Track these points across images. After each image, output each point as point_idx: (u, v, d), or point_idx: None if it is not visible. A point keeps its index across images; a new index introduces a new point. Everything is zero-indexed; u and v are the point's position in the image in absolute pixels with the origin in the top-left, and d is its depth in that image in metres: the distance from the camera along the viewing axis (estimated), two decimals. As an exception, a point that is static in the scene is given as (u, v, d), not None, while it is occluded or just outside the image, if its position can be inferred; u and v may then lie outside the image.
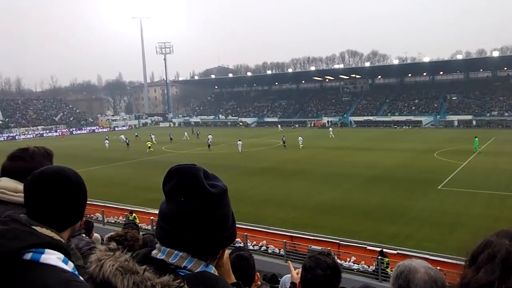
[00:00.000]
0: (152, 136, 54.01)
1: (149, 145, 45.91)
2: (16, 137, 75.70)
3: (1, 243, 1.33)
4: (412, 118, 72.70)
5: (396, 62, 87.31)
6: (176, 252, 1.12)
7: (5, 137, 74.55)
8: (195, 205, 1.12)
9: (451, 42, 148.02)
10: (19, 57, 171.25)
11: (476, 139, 36.94)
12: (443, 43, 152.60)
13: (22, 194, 1.72)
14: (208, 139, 46.95)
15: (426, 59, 77.62)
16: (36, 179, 1.57)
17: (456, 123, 67.37)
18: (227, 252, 1.34)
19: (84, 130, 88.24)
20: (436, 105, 75.49)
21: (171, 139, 55.58)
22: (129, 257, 1.04)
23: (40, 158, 2.06)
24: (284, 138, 45.65)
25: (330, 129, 60.02)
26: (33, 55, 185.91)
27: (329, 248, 13.45)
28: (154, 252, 1.15)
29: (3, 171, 2.02)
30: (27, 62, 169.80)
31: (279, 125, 77.20)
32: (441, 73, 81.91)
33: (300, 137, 45.27)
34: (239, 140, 43.03)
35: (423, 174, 27.11)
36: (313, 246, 14.43)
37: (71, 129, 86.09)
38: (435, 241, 15.34)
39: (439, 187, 23.45)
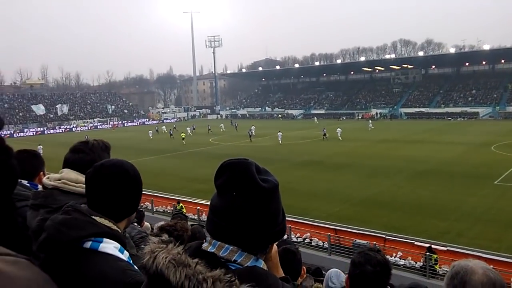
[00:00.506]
0: (188, 129, 57.06)
1: (183, 136, 48.11)
2: (73, 129, 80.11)
3: (64, 231, 1.45)
4: (468, 109, 68.81)
5: (452, 50, 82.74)
6: (226, 245, 1.12)
7: (63, 129, 79.05)
8: (247, 199, 1.12)
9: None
10: (78, 53, 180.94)
11: None
12: (506, 30, 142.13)
13: (83, 185, 1.80)
14: (251, 130, 47.55)
15: (486, 47, 72.92)
16: (97, 172, 1.64)
17: (517, 115, 63.07)
18: (276, 246, 1.34)
19: (135, 122, 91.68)
20: (495, 95, 70.93)
21: (209, 129, 58.78)
22: (181, 250, 1.05)
23: (99, 151, 2.13)
24: (325, 130, 45.20)
25: (370, 121, 58.51)
26: (90, 51, 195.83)
27: (374, 242, 13.26)
28: (204, 245, 1.16)
29: (65, 163, 2.10)
30: (85, 58, 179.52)
31: (315, 117, 75.41)
32: (503, 61, 76.54)
33: (338, 129, 44.97)
34: (279, 132, 43.76)
35: (478, 168, 25.76)
36: (358, 240, 14.27)
37: (123, 121, 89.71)
38: (489, 239, 14.61)
39: (495, 183, 22.21)
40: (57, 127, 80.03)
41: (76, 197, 1.83)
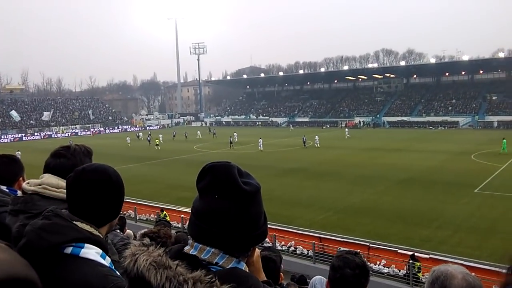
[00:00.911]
0: (160, 136, 57.83)
1: (157, 142, 49.88)
2: (53, 136, 78.70)
3: (44, 237, 1.40)
4: (449, 118, 70.32)
5: (433, 61, 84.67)
6: (208, 248, 1.13)
7: (43, 135, 77.54)
8: (228, 202, 1.13)
9: (492, 40, 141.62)
10: (60, 58, 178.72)
11: (504, 140, 35.86)
12: (484, 41, 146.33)
13: (64, 190, 1.77)
14: (232, 137, 48.21)
15: (465, 58, 74.72)
16: (78, 176, 1.61)
17: (496, 124, 64.62)
18: (258, 250, 1.35)
19: (117, 129, 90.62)
20: (474, 105, 72.68)
21: (186, 137, 60.26)
22: (162, 252, 1.06)
23: (81, 156, 2.11)
24: (305, 138, 46.36)
25: (346, 129, 59.77)
26: (72, 56, 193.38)
27: (358, 250, 13.30)
28: (186, 248, 1.17)
29: (46, 168, 2.07)
30: (67, 63, 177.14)
31: (290, 125, 78.49)
32: (481, 72, 78.62)
33: (316, 136, 46.61)
34: (260, 138, 45.09)
35: (458, 177, 26.23)
36: (342, 248, 14.29)
37: (105, 128, 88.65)
38: (470, 247, 14.84)
39: (475, 191, 22.64)
40: (36, 134, 78.36)
41: (57, 203, 1.79)
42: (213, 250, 1.13)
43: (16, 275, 0.61)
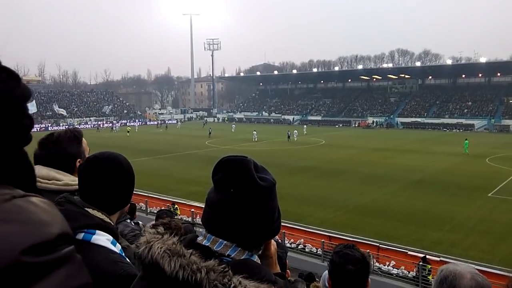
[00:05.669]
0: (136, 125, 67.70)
1: (128, 130, 59.59)
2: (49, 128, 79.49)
3: None
4: (464, 121, 69.24)
5: (449, 62, 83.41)
6: (220, 240, 1.13)
7: (66, 127, 77.46)
8: (243, 197, 1.13)
9: (511, 42, 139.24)
10: (76, 51, 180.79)
11: (466, 141, 36.94)
12: (502, 44, 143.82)
13: (56, 181, 1.81)
14: (252, 136, 48.44)
15: (483, 60, 73.53)
16: (90, 164, 1.63)
17: (512, 128, 63.57)
18: (275, 243, 1.35)
19: (137, 122, 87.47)
20: (491, 108, 71.47)
21: (209, 134, 58.77)
22: (176, 241, 1.07)
23: (66, 143, 2.07)
24: (289, 133, 50.74)
25: (305, 126, 63.49)
26: (88, 49, 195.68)
27: (368, 250, 13.22)
28: (199, 238, 1.17)
29: (34, 159, 2.03)
30: (83, 56, 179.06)
31: (304, 126, 65.93)
32: (499, 74, 77.21)
33: (295, 131, 51.88)
34: (254, 131, 50.64)
35: (472, 180, 25.86)
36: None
37: (121, 121, 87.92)
38: (482, 251, 14.65)
39: (489, 195, 22.29)
40: (49, 126, 76.63)
41: (49, 194, 1.70)
42: (225, 242, 1.13)
43: (68, 231, 0.65)
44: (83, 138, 2.22)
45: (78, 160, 2.08)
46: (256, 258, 1.19)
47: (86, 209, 1.52)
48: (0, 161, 0.63)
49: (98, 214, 1.53)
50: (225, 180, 1.15)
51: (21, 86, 0.69)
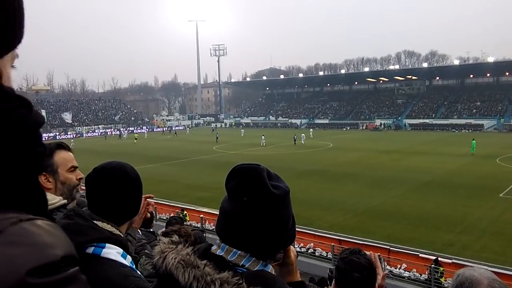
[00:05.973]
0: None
1: (136, 137, 61.35)
2: (84, 135, 79.95)
3: (68, 236, 1.46)
4: (473, 121, 68.55)
5: (456, 62, 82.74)
6: (235, 250, 1.12)
7: (74, 135, 77.22)
8: (257, 205, 1.11)
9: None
10: (84, 59, 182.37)
11: (474, 141, 36.69)
12: (509, 43, 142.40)
13: None
14: (261, 140, 48.30)
15: (491, 59, 72.79)
16: (97, 175, 1.62)
17: (522, 127, 62.76)
18: (294, 250, 1.33)
19: (144, 129, 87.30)
20: (500, 107, 70.69)
21: (217, 139, 59.07)
22: (190, 252, 1.07)
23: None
24: (295, 137, 50.53)
25: (311, 130, 62.32)
26: (96, 56, 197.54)
27: (378, 253, 13.10)
28: (213, 248, 1.16)
29: None
30: (91, 64, 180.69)
31: (311, 129, 65.51)
32: (507, 74, 76.38)
33: (303, 134, 52.22)
34: (263, 135, 50.93)
35: (483, 180, 25.55)
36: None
37: (128, 128, 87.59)
38: (494, 252, 14.45)
39: (500, 195, 22.00)
40: (57, 135, 77.04)
41: None
42: (239, 252, 1.12)
43: (72, 253, 0.67)
44: (69, 152, 2.15)
45: (43, 173, 1.98)
46: (270, 269, 1.17)
47: (95, 222, 1.51)
48: (14, 189, 0.65)
49: (108, 227, 1.52)
50: (238, 189, 1.14)
51: (33, 113, 0.69)
